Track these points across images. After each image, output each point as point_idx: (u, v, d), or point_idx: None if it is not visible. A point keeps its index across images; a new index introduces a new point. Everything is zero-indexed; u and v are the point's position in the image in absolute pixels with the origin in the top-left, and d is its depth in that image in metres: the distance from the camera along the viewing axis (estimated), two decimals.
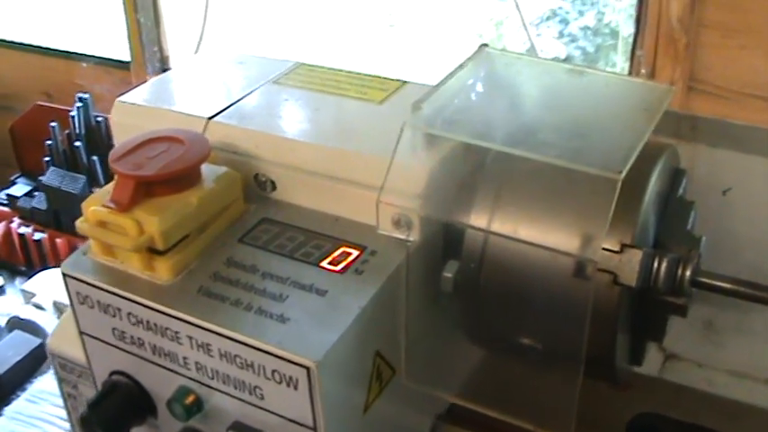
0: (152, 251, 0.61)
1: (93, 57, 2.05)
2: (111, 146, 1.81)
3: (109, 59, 2.03)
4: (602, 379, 0.66)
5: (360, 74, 0.78)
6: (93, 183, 1.86)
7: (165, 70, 1.85)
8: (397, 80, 0.76)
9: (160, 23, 1.88)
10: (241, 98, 0.74)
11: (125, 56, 1.97)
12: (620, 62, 1.91)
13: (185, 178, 0.62)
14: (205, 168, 0.64)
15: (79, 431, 0.80)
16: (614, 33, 1.99)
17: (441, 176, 0.62)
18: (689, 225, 0.66)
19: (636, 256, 0.58)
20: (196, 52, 1.85)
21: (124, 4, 1.85)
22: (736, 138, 0.78)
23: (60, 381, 0.78)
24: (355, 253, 0.62)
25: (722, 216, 0.79)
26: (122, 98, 0.76)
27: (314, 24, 2.12)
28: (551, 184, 0.61)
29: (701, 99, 1.39)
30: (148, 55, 1.89)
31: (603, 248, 0.58)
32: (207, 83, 0.79)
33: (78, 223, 0.63)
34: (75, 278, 0.64)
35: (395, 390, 0.64)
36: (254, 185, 0.69)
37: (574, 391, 0.59)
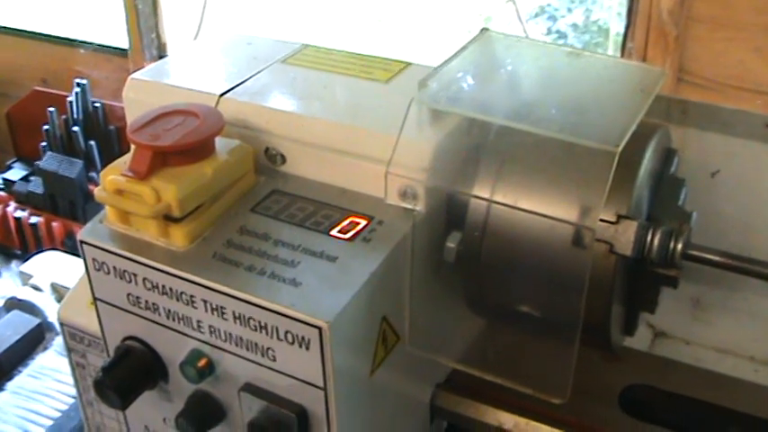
0: (168, 219, 0.64)
1: (92, 44, 2.06)
2: (108, 131, 1.83)
3: (107, 46, 2.04)
4: (596, 347, 0.69)
5: (365, 55, 0.80)
6: (90, 167, 1.88)
7: (162, 57, 1.87)
8: (401, 61, 0.79)
9: (158, 11, 1.90)
10: (251, 76, 0.76)
11: (123, 43, 1.99)
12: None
13: (200, 149, 0.65)
14: (218, 141, 0.67)
15: (86, 400, 0.82)
16: (602, 31, 2.02)
17: (446, 150, 0.65)
18: (680, 201, 0.69)
19: (631, 226, 0.61)
20: (194, 40, 1.87)
21: None
22: (724, 122, 0.81)
23: (69, 350, 0.80)
24: (363, 222, 0.65)
25: (710, 197, 0.82)
26: (135, 75, 0.78)
27: (304, 16, 2.14)
28: (551, 158, 0.64)
29: (690, 90, 1.42)
30: (146, 42, 1.91)
31: (600, 219, 0.61)
32: (217, 62, 0.82)
33: (96, 191, 0.65)
34: (92, 245, 0.66)
35: (399, 356, 0.67)
36: (265, 159, 0.71)
37: (570, 357, 0.62)
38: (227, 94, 0.73)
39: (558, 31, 2.12)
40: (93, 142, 1.88)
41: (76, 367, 0.81)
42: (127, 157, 0.66)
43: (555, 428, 0.73)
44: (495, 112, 0.64)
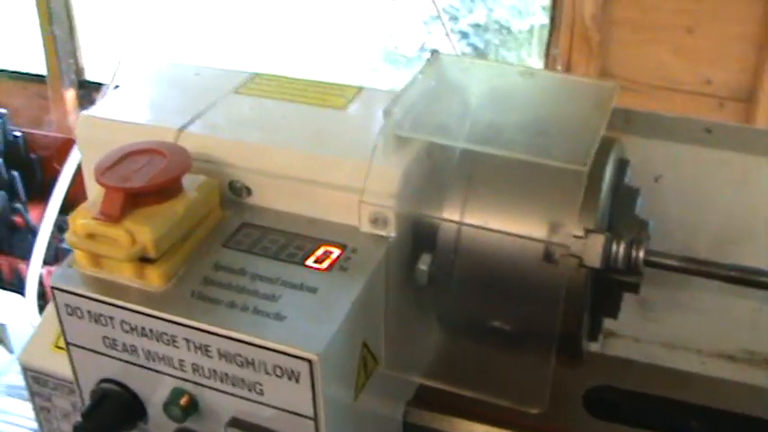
0: (142, 260, 0.64)
1: (6, 71, 2.02)
2: (30, 160, 1.78)
3: (23, 73, 2.00)
4: (566, 354, 0.71)
5: (316, 82, 0.81)
6: (13, 198, 1.84)
7: (81, 82, 1.84)
8: (353, 86, 0.80)
9: (74, 35, 1.87)
10: (206, 108, 0.76)
11: (38, 69, 1.95)
12: (512, 58, 1.99)
13: (171, 188, 0.65)
14: (185, 178, 0.67)
15: None
16: (503, 29, 2.06)
17: (413, 175, 0.66)
18: (636, 210, 0.72)
19: (599, 240, 0.63)
20: (119, 62, 1.84)
21: (39, 16, 1.83)
22: (665, 128, 0.85)
23: (33, 395, 0.79)
24: (337, 251, 0.66)
25: (654, 201, 0.85)
26: (87, 112, 0.77)
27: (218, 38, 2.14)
28: (517, 179, 0.66)
29: None
30: (65, 67, 1.88)
31: None
32: (167, 95, 0.81)
33: (67, 236, 0.65)
34: (65, 290, 0.66)
35: (376, 379, 0.68)
36: (229, 192, 0.72)
37: (547, 367, 0.64)
38: (186, 129, 0.73)
39: (460, 32, 2.15)
40: (15, 173, 1.84)
41: (41, 411, 0.80)
42: (93, 200, 0.65)
43: None
44: (458, 135, 0.66)
